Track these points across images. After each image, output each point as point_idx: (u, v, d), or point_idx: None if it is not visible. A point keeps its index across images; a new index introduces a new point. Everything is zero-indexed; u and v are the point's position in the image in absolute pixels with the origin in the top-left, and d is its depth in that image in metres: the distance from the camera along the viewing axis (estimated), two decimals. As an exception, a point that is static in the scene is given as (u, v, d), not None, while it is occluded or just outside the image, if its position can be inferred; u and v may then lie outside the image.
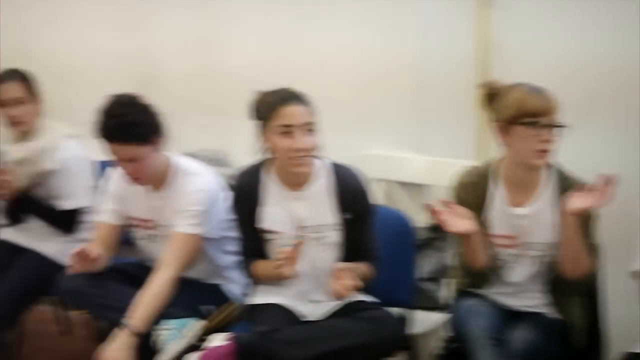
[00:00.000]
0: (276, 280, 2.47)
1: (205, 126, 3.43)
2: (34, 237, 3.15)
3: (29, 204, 3.10)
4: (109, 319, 2.61)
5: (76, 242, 3.05)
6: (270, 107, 2.39)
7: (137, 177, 2.63)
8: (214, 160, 3.25)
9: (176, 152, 2.77)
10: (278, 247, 2.46)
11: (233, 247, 2.74)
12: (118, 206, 2.78)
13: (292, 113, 2.36)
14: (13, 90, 3.03)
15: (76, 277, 2.66)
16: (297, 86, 2.43)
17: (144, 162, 2.59)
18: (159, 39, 3.51)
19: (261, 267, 2.54)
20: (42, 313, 3.61)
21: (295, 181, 2.48)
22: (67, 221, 3.10)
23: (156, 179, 2.69)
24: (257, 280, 2.60)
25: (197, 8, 3.45)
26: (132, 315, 2.50)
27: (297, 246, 2.35)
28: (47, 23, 3.80)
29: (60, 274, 2.75)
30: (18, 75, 3.07)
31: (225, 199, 2.73)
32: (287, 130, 2.36)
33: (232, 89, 3.34)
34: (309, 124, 2.38)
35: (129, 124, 2.55)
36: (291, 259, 2.34)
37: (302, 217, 2.48)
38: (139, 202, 2.75)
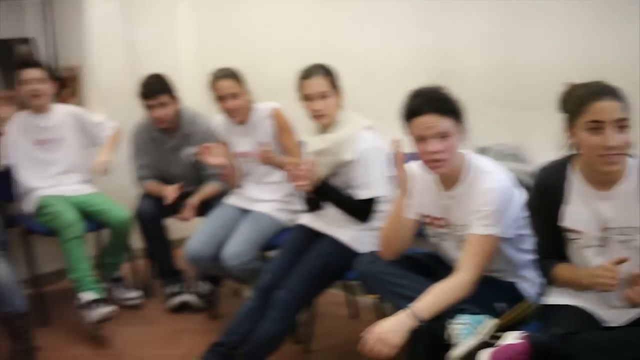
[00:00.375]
0: (583, 289, 2.37)
1: (501, 121, 3.36)
2: (331, 223, 3.28)
3: (328, 192, 3.25)
4: (399, 307, 2.61)
5: (371, 230, 3.18)
6: (579, 101, 2.26)
7: (441, 160, 2.56)
8: (510, 156, 3.18)
9: (472, 146, 2.74)
10: (582, 249, 2.37)
11: (529, 245, 2.66)
12: (412, 201, 2.78)
13: (603, 108, 2.21)
14: (318, 84, 3.18)
15: (374, 263, 2.76)
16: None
17: (452, 143, 2.55)
18: (458, 34, 3.49)
19: (566, 271, 2.44)
20: (334, 296, 3.80)
21: (603, 180, 2.34)
22: (363, 210, 3.18)
23: (451, 175, 2.66)
24: (555, 282, 2.50)
25: (497, 2, 3.39)
26: (419, 301, 2.51)
27: (619, 262, 2.22)
28: (350, 20, 3.95)
29: (358, 259, 2.85)
30: (322, 70, 3.21)
31: (519, 196, 2.66)
32: (597, 127, 2.22)
33: (533, 83, 3.23)
34: (622, 120, 2.22)
35: (445, 97, 2.57)
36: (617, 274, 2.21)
37: (608, 217, 2.34)
38: (432, 200, 2.75)
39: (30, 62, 4.01)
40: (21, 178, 4.00)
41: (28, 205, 3.97)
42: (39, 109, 4.01)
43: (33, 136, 4.01)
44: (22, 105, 3.96)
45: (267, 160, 3.60)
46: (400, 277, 2.69)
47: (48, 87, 4.00)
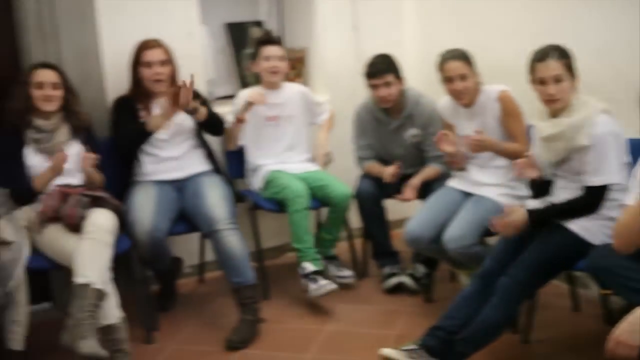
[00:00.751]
0: None
1: None
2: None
3: (544, 216, 3.13)
4: (635, 303, 2.47)
5: (603, 219, 3.02)
6: None
7: None
8: None
9: None
10: None
11: None
12: None
13: None
14: (553, 68, 3.04)
15: (610, 257, 2.63)
16: None
17: None
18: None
19: None
20: (556, 287, 3.68)
21: None
22: (593, 198, 3.04)
23: None
24: None
25: None
26: None
27: None
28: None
29: (593, 252, 2.75)
30: (558, 53, 3.08)
31: None
32: None
33: None
34: None
35: None
36: None
37: None
38: None
39: (272, 40, 4.19)
40: (251, 156, 4.20)
41: (257, 182, 4.16)
42: (273, 86, 4.18)
43: (264, 112, 4.17)
44: (255, 81, 4.14)
45: (479, 149, 3.54)
46: (635, 272, 2.55)
47: (285, 66, 4.16)
